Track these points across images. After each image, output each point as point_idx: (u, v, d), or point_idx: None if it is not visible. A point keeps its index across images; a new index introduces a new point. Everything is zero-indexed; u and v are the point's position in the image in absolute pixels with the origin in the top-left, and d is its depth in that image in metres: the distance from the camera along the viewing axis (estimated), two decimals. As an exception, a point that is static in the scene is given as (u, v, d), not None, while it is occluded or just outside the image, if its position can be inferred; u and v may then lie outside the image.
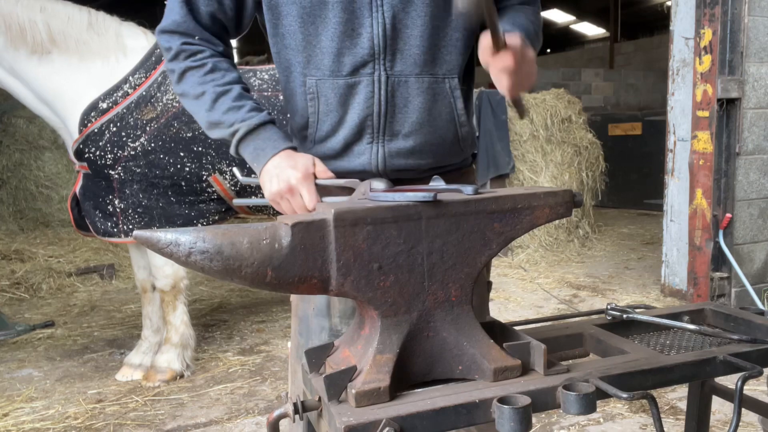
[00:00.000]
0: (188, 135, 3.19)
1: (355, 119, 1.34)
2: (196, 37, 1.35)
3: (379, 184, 1.14)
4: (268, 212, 3.51)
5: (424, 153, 1.38)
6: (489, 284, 1.55)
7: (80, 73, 3.11)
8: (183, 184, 3.20)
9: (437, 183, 1.17)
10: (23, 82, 3.11)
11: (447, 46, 1.35)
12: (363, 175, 1.36)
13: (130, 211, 3.14)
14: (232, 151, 1.33)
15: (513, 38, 1.19)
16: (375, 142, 1.36)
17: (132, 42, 3.24)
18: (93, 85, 3.12)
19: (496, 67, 1.21)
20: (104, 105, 3.10)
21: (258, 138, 1.29)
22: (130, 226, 3.14)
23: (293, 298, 1.50)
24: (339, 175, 1.30)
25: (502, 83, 1.23)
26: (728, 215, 4.07)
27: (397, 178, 1.36)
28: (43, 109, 3.20)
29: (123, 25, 3.27)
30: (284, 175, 1.23)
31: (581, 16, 18.61)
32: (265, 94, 3.30)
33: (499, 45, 1.18)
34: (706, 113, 4.02)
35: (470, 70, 1.47)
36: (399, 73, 1.32)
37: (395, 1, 1.28)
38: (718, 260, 4.13)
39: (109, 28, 3.20)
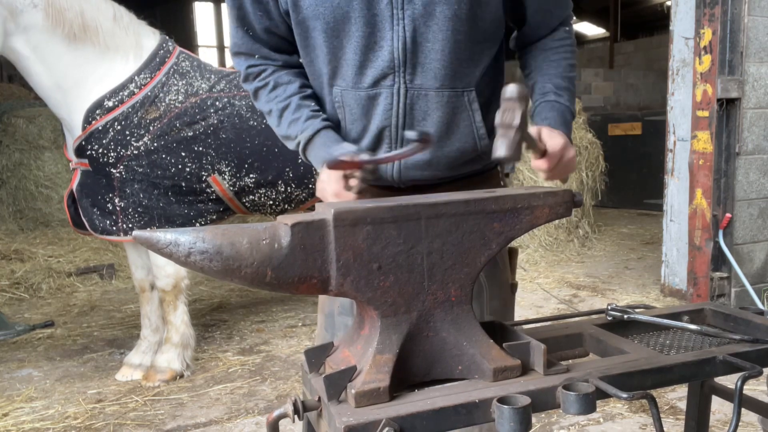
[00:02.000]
0: (189, 135, 3.19)
1: (374, 130, 1.37)
2: (256, 56, 1.44)
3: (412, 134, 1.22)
4: (266, 212, 3.52)
5: (440, 165, 1.39)
6: (513, 286, 1.54)
7: (102, 66, 3.10)
8: (183, 184, 3.20)
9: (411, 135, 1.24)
10: (48, 66, 3.02)
11: (467, 60, 1.35)
12: (381, 183, 1.41)
13: (130, 210, 3.13)
14: (304, 159, 1.43)
15: (553, 141, 1.26)
16: None
17: (147, 42, 3.23)
18: (107, 81, 3.11)
19: (535, 167, 1.30)
20: (110, 103, 3.09)
21: (314, 146, 1.38)
22: (130, 225, 3.13)
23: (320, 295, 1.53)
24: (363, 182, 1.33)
25: (540, 175, 1.33)
26: (728, 215, 4.07)
27: (413, 186, 1.40)
28: (56, 96, 3.10)
29: (140, 24, 3.27)
30: (328, 189, 1.30)
31: (581, 16, 18.60)
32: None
33: (538, 154, 1.27)
34: (706, 113, 4.02)
35: (497, 81, 1.45)
36: (419, 86, 1.32)
37: (416, 15, 1.28)
38: (718, 260, 4.13)
39: (129, 25, 3.19)
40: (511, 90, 1.15)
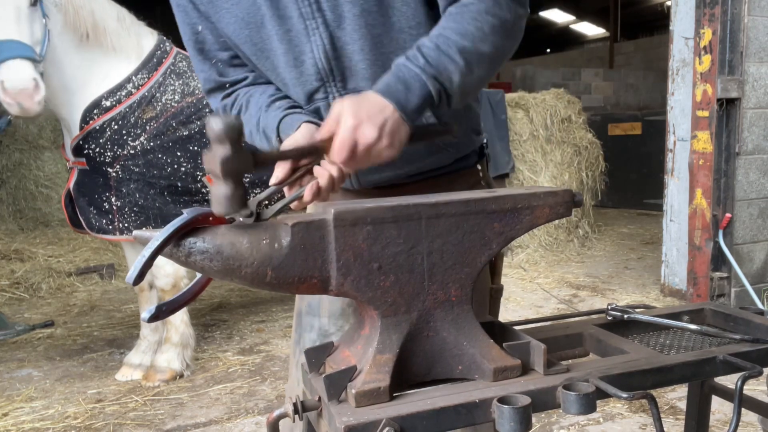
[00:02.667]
0: (185, 134, 3.19)
1: None
2: (227, 84, 1.36)
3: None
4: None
5: (397, 163, 1.24)
6: (497, 291, 1.48)
7: (107, 67, 3.10)
8: (179, 184, 3.20)
9: None
10: (58, 67, 2.99)
11: (395, 51, 1.25)
12: (346, 190, 1.37)
13: (126, 209, 3.14)
14: None
15: (342, 126, 1.04)
16: None
17: (146, 42, 3.23)
18: (110, 82, 3.10)
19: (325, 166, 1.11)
20: (107, 103, 3.09)
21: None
22: (126, 225, 3.14)
23: None
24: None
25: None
26: (728, 215, 4.07)
27: (379, 186, 1.35)
28: (62, 97, 3.07)
29: (139, 24, 3.27)
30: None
31: (581, 16, 18.63)
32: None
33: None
34: (706, 113, 4.02)
35: None
36: (353, 90, 1.26)
37: (329, 21, 1.23)
38: (718, 260, 4.13)
39: (131, 26, 3.19)
40: (212, 125, 0.90)
